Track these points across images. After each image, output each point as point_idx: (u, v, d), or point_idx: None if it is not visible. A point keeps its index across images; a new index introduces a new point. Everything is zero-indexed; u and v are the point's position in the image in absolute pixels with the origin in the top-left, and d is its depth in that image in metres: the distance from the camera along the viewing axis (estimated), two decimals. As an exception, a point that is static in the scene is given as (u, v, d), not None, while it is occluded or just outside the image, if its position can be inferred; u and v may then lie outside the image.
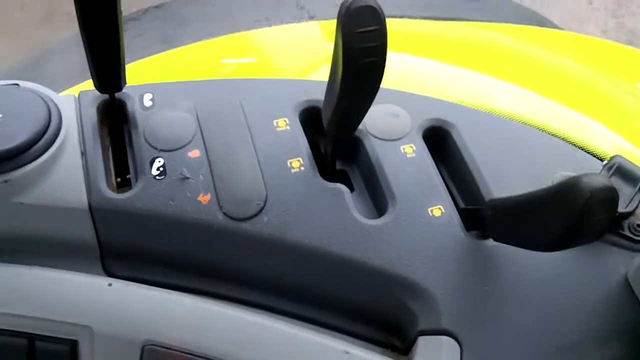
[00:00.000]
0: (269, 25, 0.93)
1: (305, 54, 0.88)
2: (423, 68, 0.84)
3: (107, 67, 0.44)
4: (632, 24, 2.95)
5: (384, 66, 0.38)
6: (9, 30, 2.40)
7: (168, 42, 0.87)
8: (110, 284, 0.42)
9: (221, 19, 0.99)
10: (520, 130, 0.53)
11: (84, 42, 0.42)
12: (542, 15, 1.30)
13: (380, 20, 0.37)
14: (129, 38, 1.00)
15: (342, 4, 0.37)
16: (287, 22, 0.93)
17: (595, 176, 0.34)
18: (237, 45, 0.92)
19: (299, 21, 0.98)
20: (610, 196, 0.34)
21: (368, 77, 0.38)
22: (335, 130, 0.44)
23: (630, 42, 2.85)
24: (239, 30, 0.92)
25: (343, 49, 0.37)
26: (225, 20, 0.95)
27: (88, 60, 0.43)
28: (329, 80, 0.42)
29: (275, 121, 0.48)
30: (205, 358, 0.41)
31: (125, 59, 0.46)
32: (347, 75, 0.38)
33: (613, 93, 0.92)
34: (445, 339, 0.41)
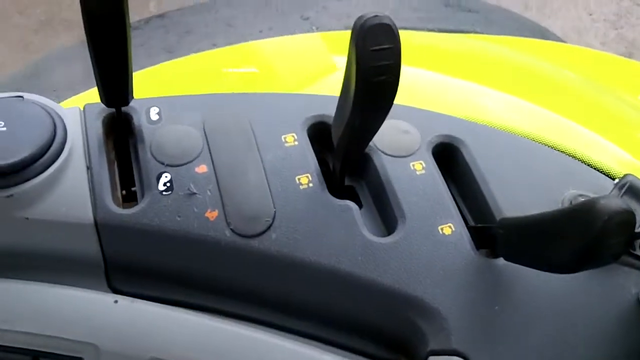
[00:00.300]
0: (273, 36, 0.93)
1: (309, 65, 0.87)
2: (430, 81, 0.84)
3: (114, 81, 0.44)
4: (632, 35, 2.96)
5: (398, 84, 0.37)
6: (8, 34, 2.40)
7: (172, 52, 0.86)
8: (116, 301, 0.42)
9: (225, 29, 0.99)
10: (530, 147, 0.53)
11: (91, 56, 0.41)
12: (544, 27, 1.30)
13: (395, 39, 0.36)
14: (132, 47, 0.99)
15: (356, 21, 0.37)
16: (291, 33, 0.93)
17: (612, 198, 0.34)
18: (241, 56, 0.92)
19: (303, 32, 0.97)
20: (627, 219, 0.33)
21: (381, 95, 0.38)
22: (345, 147, 0.43)
23: (630, 54, 2.85)
24: (243, 41, 0.91)
25: (356, 66, 0.37)
26: (230, 30, 0.95)
27: (95, 74, 0.43)
28: (340, 97, 0.42)
29: (283, 136, 0.48)
30: None
31: None
32: (359, 93, 0.37)
33: (614, 105, 0.93)
34: (455, 359, 0.41)
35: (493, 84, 0.85)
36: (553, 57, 1.11)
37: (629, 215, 0.33)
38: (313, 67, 0.87)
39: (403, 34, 1.01)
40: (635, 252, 0.46)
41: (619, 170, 0.55)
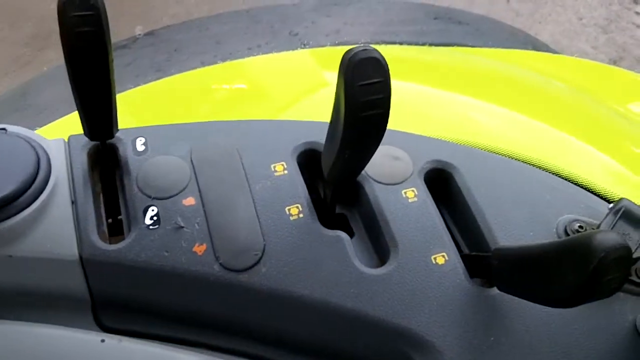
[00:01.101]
0: (262, 53, 0.92)
1: (298, 82, 0.87)
2: (421, 96, 0.83)
3: (97, 115, 0.43)
4: (622, 39, 2.96)
5: (388, 117, 0.37)
6: (-2, 47, 2.40)
7: (161, 70, 0.85)
8: (103, 340, 0.41)
9: (214, 47, 0.98)
10: (523, 171, 0.52)
11: (73, 90, 0.40)
12: (534, 37, 1.30)
13: (385, 72, 0.36)
14: (120, 66, 0.98)
15: (344, 55, 0.36)
16: (280, 50, 0.92)
17: (609, 234, 0.33)
18: (230, 73, 0.91)
19: (292, 48, 0.97)
20: (624, 254, 0.33)
21: (371, 128, 0.37)
22: (336, 178, 0.42)
23: (620, 58, 2.86)
24: (232, 58, 0.91)
25: (345, 100, 0.36)
26: (219, 47, 0.94)
27: (78, 109, 0.42)
28: (330, 127, 0.41)
29: (272, 165, 0.47)
30: None
31: (117, 88, 0.44)
32: (349, 126, 0.37)
33: (604, 115, 0.92)
34: None
35: (484, 96, 0.85)
36: (543, 67, 1.11)
37: (626, 250, 0.33)
38: (302, 84, 0.86)
39: (394, 48, 1.00)
40: (631, 278, 0.46)
41: (613, 191, 0.55)
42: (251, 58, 0.91)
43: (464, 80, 0.94)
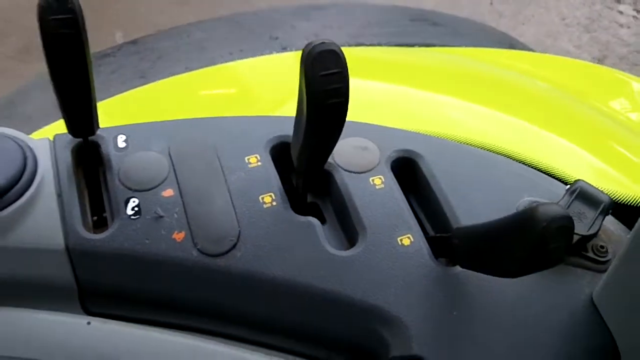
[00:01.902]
0: (245, 57, 0.95)
1: (280, 84, 0.89)
2: (390, 95, 0.86)
3: (78, 113, 0.46)
4: (605, 38, 3.00)
5: (347, 106, 0.39)
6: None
7: (146, 77, 0.88)
8: (89, 322, 0.43)
9: (197, 52, 1.01)
10: (486, 158, 0.55)
11: (54, 90, 0.43)
12: (512, 36, 1.32)
13: (342, 63, 0.38)
14: (105, 74, 1.01)
15: (304, 48, 0.39)
16: (261, 53, 0.95)
17: (552, 205, 0.36)
18: (214, 78, 0.94)
19: (273, 52, 1.00)
20: (566, 224, 0.35)
21: (332, 116, 0.40)
22: (304, 165, 0.45)
23: (604, 57, 2.89)
24: (215, 63, 0.93)
25: (307, 91, 0.39)
26: (202, 53, 0.97)
27: (60, 107, 0.45)
28: (296, 119, 0.44)
29: (246, 158, 0.50)
30: None
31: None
32: (312, 115, 0.40)
33: (583, 112, 0.94)
34: None
35: (460, 94, 0.87)
36: (522, 66, 1.14)
37: (567, 220, 0.35)
38: (285, 86, 0.89)
39: (372, 50, 1.02)
40: (587, 254, 0.49)
41: (572, 175, 0.58)
42: (234, 62, 0.94)
43: (442, 79, 0.97)
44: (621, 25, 3.10)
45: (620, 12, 3.20)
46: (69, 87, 0.43)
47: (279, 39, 1.02)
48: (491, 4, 3.16)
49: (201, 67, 0.94)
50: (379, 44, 1.00)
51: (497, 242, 0.39)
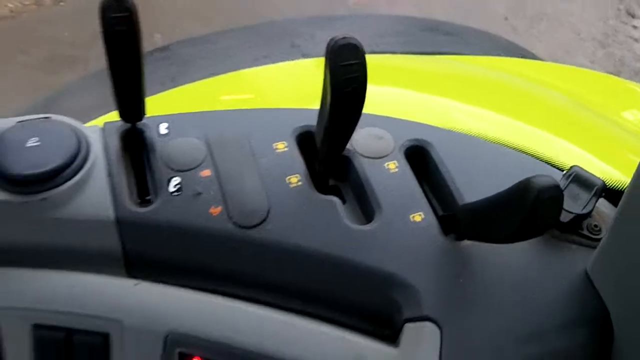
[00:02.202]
0: (268, 63, 1.01)
1: (299, 89, 0.95)
2: (404, 99, 0.91)
3: (130, 100, 0.52)
4: (620, 53, 3.04)
5: (365, 93, 0.45)
6: (11, 72, 2.50)
7: (175, 81, 0.94)
8: (136, 284, 0.49)
9: (222, 59, 1.07)
10: (492, 148, 0.60)
11: (110, 78, 0.49)
12: (523, 47, 1.37)
13: (361, 55, 0.44)
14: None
15: (328, 42, 0.45)
16: (284, 60, 1.01)
17: (544, 177, 0.41)
18: (236, 83, 1.00)
19: (295, 59, 1.05)
20: (555, 194, 0.41)
21: (352, 101, 0.45)
22: (326, 148, 0.51)
23: (618, 72, 2.93)
24: (238, 69, 0.99)
25: (330, 79, 0.44)
26: (227, 59, 1.03)
27: (113, 94, 0.51)
28: (320, 109, 0.49)
29: (275, 144, 0.55)
30: (217, 342, 0.47)
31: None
32: (334, 100, 0.45)
33: (595, 121, 0.97)
34: (427, 324, 0.48)
35: (475, 102, 0.92)
36: (534, 75, 1.17)
37: (556, 189, 0.41)
38: (303, 90, 0.94)
39: (387, 57, 1.08)
40: (582, 232, 0.54)
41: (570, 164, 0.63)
42: (256, 68, 1.00)
43: (454, 86, 1.02)
44: (636, 40, 3.14)
45: (635, 27, 3.24)
46: (123, 76, 0.49)
47: (299, 46, 1.08)
48: (506, 19, 3.20)
49: (226, 72, 1.00)
50: (393, 52, 1.06)
51: (497, 211, 0.44)
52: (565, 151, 0.76)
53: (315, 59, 1.04)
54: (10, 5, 3.13)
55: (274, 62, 1.01)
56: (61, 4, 3.26)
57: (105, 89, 0.52)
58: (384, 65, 1.03)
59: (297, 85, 0.96)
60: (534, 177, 0.41)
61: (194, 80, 0.95)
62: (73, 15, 3.14)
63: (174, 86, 0.91)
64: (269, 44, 1.10)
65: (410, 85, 0.98)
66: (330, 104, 0.46)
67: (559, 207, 0.42)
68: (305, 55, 1.05)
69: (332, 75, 0.44)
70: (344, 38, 0.44)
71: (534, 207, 0.41)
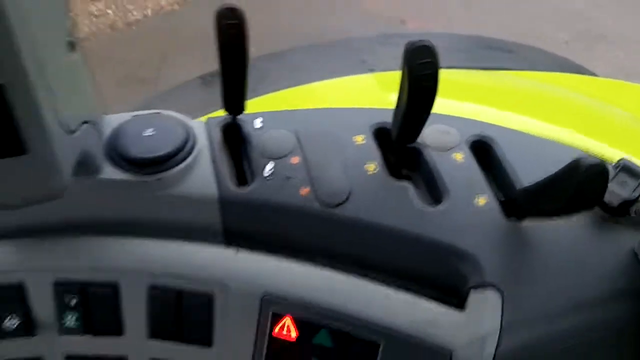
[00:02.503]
0: (337, 77, 1.09)
1: (364, 100, 1.02)
2: (469, 110, 0.97)
3: (235, 94, 0.60)
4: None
5: (437, 88, 0.53)
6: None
7: (255, 92, 1.03)
8: (236, 252, 0.57)
9: (293, 73, 1.16)
10: (549, 144, 0.67)
11: (220, 75, 0.58)
12: (580, 65, 1.42)
13: (434, 55, 0.52)
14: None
15: (406, 44, 0.52)
16: (352, 74, 1.09)
17: (590, 157, 0.48)
18: (308, 94, 1.08)
19: (361, 73, 1.13)
20: (601, 170, 0.47)
21: (426, 94, 0.53)
22: (402, 137, 0.58)
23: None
24: (311, 81, 1.08)
25: (408, 75, 0.52)
26: (301, 73, 1.12)
27: (222, 89, 0.59)
28: (397, 101, 0.57)
29: (354, 137, 0.63)
30: (306, 303, 0.55)
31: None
32: (411, 95, 0.53)
33: None
34: (489, 290, 0.54)
35: (538, 116, 0.96)
36: (594, 91, 1.21)
37: (602, 167, 0.47)
38: (369, 102, 1.02)
39: (450, 72, 1.15)
40: (631, 216, 0.60)
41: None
42: (327, 81, 1.09)
43: (514, 100, 1.07)
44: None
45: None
46: (231, 74, 0.58)
47: (367, 62, 1.16)
48: (566, 43, 3.23)
49: (298, 85, 1.08)
50: (460, 67, 1.13)
51: (550, 188, 0.51)
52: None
53: (380, 73, 1.11)
54: (87, 29, 3.32)
55: (343, 75, 1.09)
56: (133, 27, 3.44)
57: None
58: (447, 79, 1.09)
59: (361, 98, 1.04)
60: (582, 157, 0.48)
61: (271, 91, 1.04)
62: (143, 38, 3.31)
63: (255, 96, 1.00)
64: (339, 59, 1.18)
65: (473, 99, 1.04)
66: (407, 98, 0.53)
67: (604, 181, 0.48)
68: (372, 70, 1.13)
69: (409, 72, 0.52)
70: (420, 40, 0.52)
71: (582, 181, 0.47)
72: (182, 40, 3.12)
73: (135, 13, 3.56)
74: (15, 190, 0.49)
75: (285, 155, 0.61)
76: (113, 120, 0.61)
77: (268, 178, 0.60)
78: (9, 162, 0.46)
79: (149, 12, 3.58)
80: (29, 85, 0.43)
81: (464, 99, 1.02)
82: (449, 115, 0.67)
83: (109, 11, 3.54)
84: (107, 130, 0.60)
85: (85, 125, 0.53)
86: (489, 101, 1.04)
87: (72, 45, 0.51)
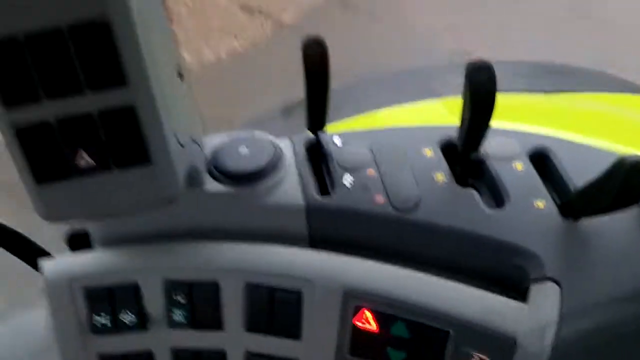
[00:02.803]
0: (407, 103, 1.16)
1: (431, 121, 1.09)
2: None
3: (318, 113, 0.69)
4: None
5: (495, 100, 0.60)
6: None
7: (333, 118, 1.11)
8: (320, 253, 0.65)
9: (370, 100, 1.24)
10: (604, 154, 0.72)
11: (305, 97, 0.66)
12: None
13: (492, 72, 0.59)
14: (294, 120, 1.26)
15: (467, 65, 0.60)
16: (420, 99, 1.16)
17: (634, 155, 0.54)
18: (378, 120, 1.16)
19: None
20: None
21: (486, 108, 0.60)
22: (466, 148, 0.65)
23: None
24: (382, 107, 1.16)
25: (469, 91, 0.59)
26: (374, 100, 1.20)
27: (306, 110, 0.68)
28: (461, 116, 0.64)
29: (423, 150, 0.70)
30: (384, 297, 0.62)
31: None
32: (472, 107, 0.60)
33: None
34: (549, 283, 0.60)
35: (603, 137, 0.99)
36: None
37: None
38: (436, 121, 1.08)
39: (516, 96, 1.20)
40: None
41: None
42: (396, 106, 1.16)
43: (578, 120, 1.11)
44: None
45: None
46: (315, 96, 0.66)
47: (435, 90, 1.23)
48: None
49: (369, 111, 1.16)
50: (524, 90, 1.18)
51: (599, 185, 0.57)
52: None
53: (447, 98, 1.18)
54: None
55: (412, 101, 1.17)
56: (208, 69, 3.61)
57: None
58: (513, 103, 1.15)
59: (430, 119, 1.11)
60: (626, 156, 0.54)
61: (343, 118, 1.12)
62: (218, 79, 3.46)
63: (333, 121, 1.08)
64: (404, 88, 1.26)
65: (539, 121, 1.09)
66: (470, 112, 0.60)
67: None
68: (440, 96, 1.20)
69: (470, 87, 0.59)
70: (480, 60, 0.59)
71: (627, 178, 0.53)
72: (255, 81, 3.26)
73: (210, 56, 3.73)
74: (136, 198, 0.58)
75: (362, 168, 0.69)
76: (212, 140, 0.70)
77: (347, 188, 0.67)
78: (134, 171, 0.56)
79: (223, 54, 3.75)
80: (155, 106, 0.53)
81: (529, 122, 1.07)
82: (509, 130, 0.73)
83: (185, 54, 3.73)
84: (207, 147, 0.69)
85: (192, 143, 0.62)
86: (555, 123, 1.08)
87: (181, 76, 0.61)
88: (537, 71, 1.32)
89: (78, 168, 0.55)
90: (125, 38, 0.49)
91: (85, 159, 0.55)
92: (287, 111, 1.26)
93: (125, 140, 0.54)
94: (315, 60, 0.64)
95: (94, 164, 0.55)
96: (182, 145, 0.59)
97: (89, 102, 0.52)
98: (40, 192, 0.56)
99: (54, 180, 0.56)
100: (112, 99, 0.52)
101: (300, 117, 0.79)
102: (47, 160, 0.55)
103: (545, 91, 1.23)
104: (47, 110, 0.52)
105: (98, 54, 0.50)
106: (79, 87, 0.51)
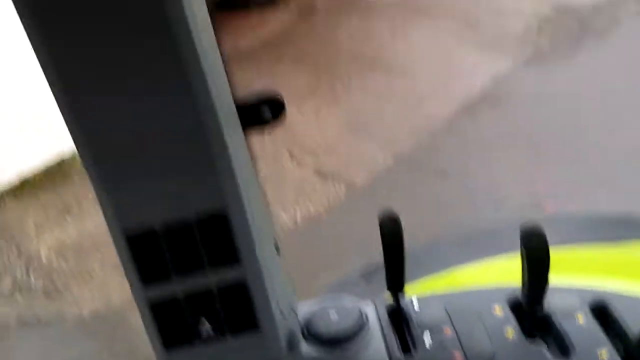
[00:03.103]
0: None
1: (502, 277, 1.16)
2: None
3: (396, 276, 0.78)
4: None
5: (549, 259, 0.68)
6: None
7: (411, 277, 1.20)
8: None
9: (450, 260, 1.32)
10: None
11: (385, 262, 0.77)
12: None
13: (542, 233, 0.68)
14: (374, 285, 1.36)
15: (520, 228, 0.69)
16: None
17: None
18: (453, 278, 1.24)
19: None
20: None
21: (541, 266, 0.69)
22: (530, 304, 0.73)
23: None
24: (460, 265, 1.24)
25: (525, 256, 0.69)
26: (444, 260, 1.29)
27: (386, 274, 0.78)
28: (522, 284, 0.73)
29: (493, 308, 0.79)
30: None
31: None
32: (530, 271, 0.69)
33: None
34: None
35: None
36: None
37: None
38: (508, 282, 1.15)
39: (580, 249, 1.28)
40: None
41: None
42: (471, 264, 1.25)
43: None
44: None
45: None
46: (393, 261, 0.76)
47: (508, 248, 1.31)
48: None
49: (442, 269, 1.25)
50: (584, 241, 1.25)
51: None
52: None
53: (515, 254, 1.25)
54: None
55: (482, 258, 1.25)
56: (284, 234, 3.74)
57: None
58: (578, 256, 1.21)
59: (500, 276, 1.18)
60: None
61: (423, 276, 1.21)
62: (296, 245, 3.57)
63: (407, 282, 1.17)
64: (472, 248, 1.35)
65: (605, 270, 1.14)
66: (527, 272, 0.69)
67: None
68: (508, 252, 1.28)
69: (526, 253, 0.68)
70: (530, 223, 0.69)
71: None
72: (331, 247, 3.37)
73: (287, 220, 3.88)
74: None
75: (440, 327, 0.77)
76: (303, 305, 0.81)
77: (427, 346, 0.75)
78: (245, 337, 0.66)
79: (299, 218, 3.88)
80: (262, 279, 0.64)
81: (594, 273, 1.12)
82: (571, 285, 0.81)
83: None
84: (300, 313, 0.79)
85: (290, 310, 0.73)
86: (619, 273, 1.13)
87: (277, 249, 0.73)
88: (605, 222, 1.39)
89: (199, 335, 0.66)
90: (239, 226, 0.62)
91: (205, 327, 0.66)
92: (367, 276, 1.36)
93: (238, 310, 0.65)
94: (391, 235, 0.74)
95: (213, 331, 0.66)
96: (282, 313, 0.70)
97: (209, 279, 0.64)
98: (167, 356, 0.67)
99: (180, 345, 0.67)
100: (227, 274, 0.64)
101: (380, 280, 0.90)
102: (174, 329, 0.66)
103: (611, 240, 1.29)
104: (176, 287, 0.64)
105: (218, 238, 0.63)
106: (201, 265, 0.64)
